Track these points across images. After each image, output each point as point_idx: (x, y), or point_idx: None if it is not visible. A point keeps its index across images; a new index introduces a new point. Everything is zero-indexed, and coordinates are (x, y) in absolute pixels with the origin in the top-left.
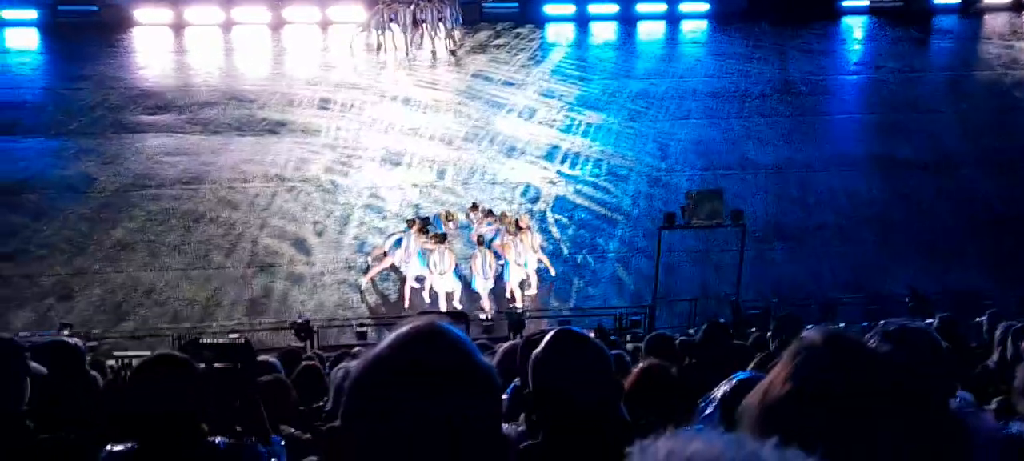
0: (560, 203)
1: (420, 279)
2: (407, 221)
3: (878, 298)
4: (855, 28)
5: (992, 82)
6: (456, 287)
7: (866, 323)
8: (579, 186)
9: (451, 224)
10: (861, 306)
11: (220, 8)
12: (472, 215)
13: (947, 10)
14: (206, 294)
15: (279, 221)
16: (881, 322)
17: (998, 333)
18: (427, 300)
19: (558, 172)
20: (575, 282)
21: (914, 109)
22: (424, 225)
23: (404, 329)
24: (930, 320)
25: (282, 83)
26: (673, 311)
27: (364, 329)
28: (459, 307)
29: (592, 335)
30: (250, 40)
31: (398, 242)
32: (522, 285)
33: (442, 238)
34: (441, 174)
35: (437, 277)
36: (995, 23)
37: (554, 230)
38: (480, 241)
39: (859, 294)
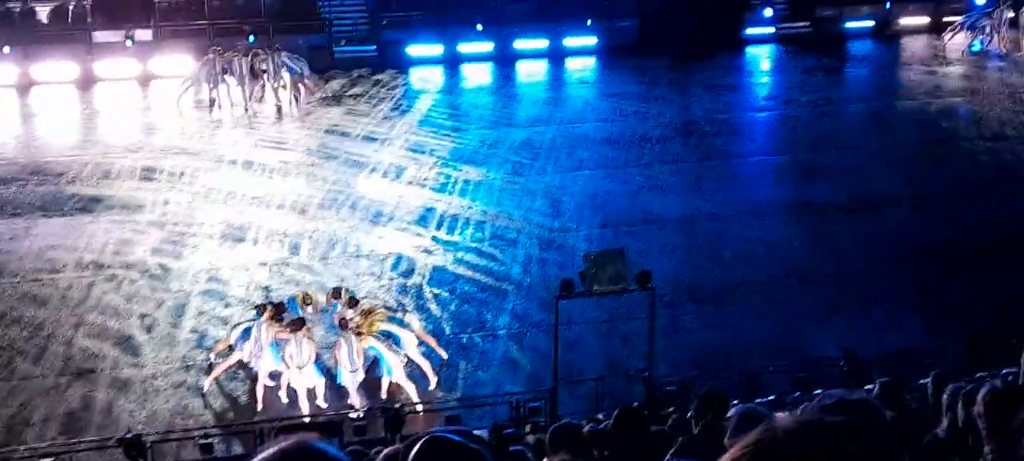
0: (438, 275)
1: (275, 376)
2: (256, 307)
3: (809, 364)
4: (762, 58)
5: (914, 111)
6: (318, 383)
7: (798, 394)
8: (460, 253)
9: (310, 308)
10: (790, 374)
11: (15, 64)
12: (335, 301)
13: (860, 34)
14: (9, 411)
15: (98, 317)
16: (817, 393)
17: (945, 397)
18: (284, 400)
19: (434, 239)
20: (462, 367)
21: (832, 145)
22: (277, 311)
23: (269, 454)
24: (870, 386)
25: (95, 151)
26: (578, 393)
27: (209, 441)
28: (323, 405)
29: (486, 433)
30: (54, 101)
31: (246, 333)
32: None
33: (299, 325)
34: (294, 249)
35: (295, 372)
36: (914, 46)
37: (433, 307)
38: (344, 325)
39: (787, 361)
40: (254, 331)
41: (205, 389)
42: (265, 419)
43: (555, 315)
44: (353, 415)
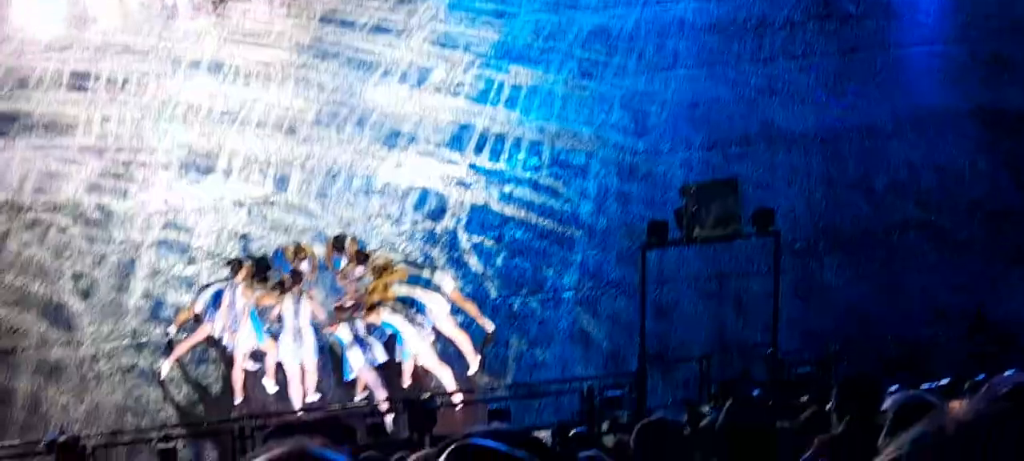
0: (479, 217)
1: (257, 356)
2: (230, 264)
3: (998, 331)
4: None
5: None
6: (315, 364)
7: (981, 375)
8: (508, 187)
9: (304, 264)
10: (971, 347)
11: None
12: (337, 255)
13: None
14: None
15: (16, 278)
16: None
17: None
18: (271, 389)
19: (473, 167)
20: (513, 343)
21: None
22: (258, 269)
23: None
24: None
25: (8, 51)
26: (674, 379)
27: (170, 445)
28: (317, 397)
29: (546, 435)
30: None
31: (217, 299)
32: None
33: (292, 283)
34: (281, 183)
35: (287, 349)
36: None
37: (473, 261)
38: (350, 288)
39: (964, 328)
40: (227, 296)
41: (164, 375)
42: (247, 415)
43: (641, 271)
44: (359, 397)
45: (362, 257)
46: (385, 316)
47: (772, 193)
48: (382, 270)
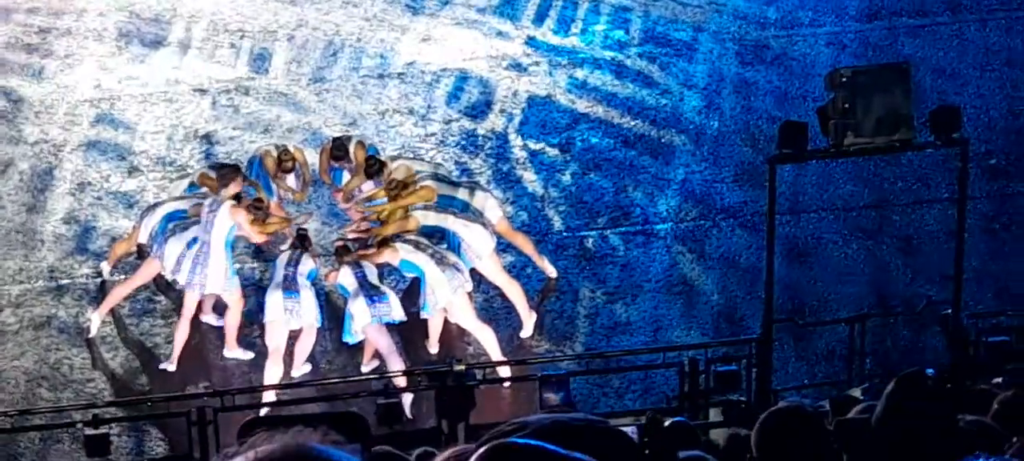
0: (540, 115)
1: (220, 311)
2: (194, 178)
3: None
4: None
5: None
6: (311, 319)
7: None
8: (582, 73)
9: (290, 177)
10: None
11: None
12: (337, 166)
13: None
14: None
15: None
16: None
17: None
18: (241, 356)
19: (532, 43)
20: (585, 295)
21: None
22: (226, 181)
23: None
24: None
25: None
26: (812, 348)
27: (101, 431)
28: (307, 368)
29: (629, 428)
30: None
31: (169, 222)
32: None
33: (280, 214)
34: (259, 62)
35: (273, 300)
36: None
37: (529, 178)
38: (356, 214)
39: None
40: (187, 217)
41: (93, 332)
42: (211, 391)
43: (769, 195)
44: (367, 368)
45: (373, 168)
46: (404, 254)
47: (959, 85)
48: (401, 188)
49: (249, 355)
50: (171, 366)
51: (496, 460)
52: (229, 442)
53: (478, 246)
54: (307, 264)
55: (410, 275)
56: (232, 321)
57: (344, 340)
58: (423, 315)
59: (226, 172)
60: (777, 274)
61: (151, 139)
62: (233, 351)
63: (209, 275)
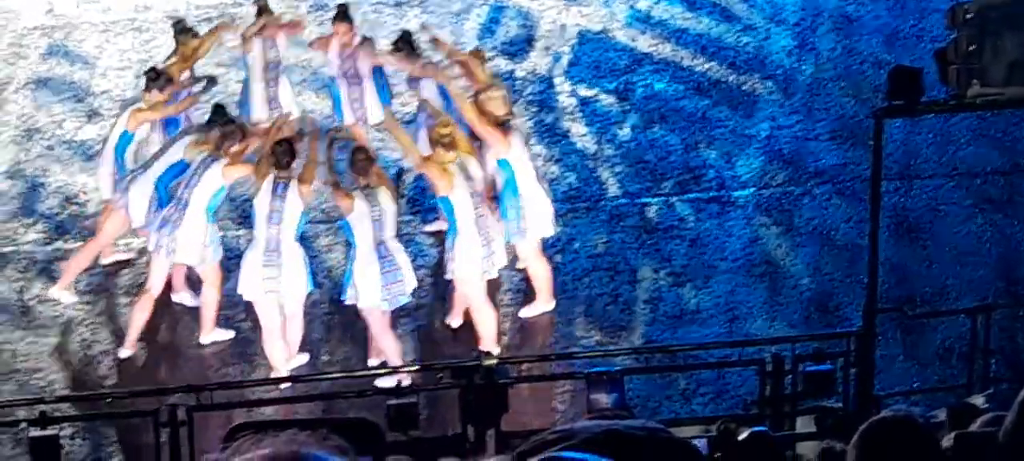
0: (594, 54)
1: (195, 288)
2: (148, 76)
3: None
4: None
5: None
6: (298, 289)
7: None
8: (645, 3)
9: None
10: None
11: None
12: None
13: None
14: None
15: None
16: None
17: None
18: (218, 336)
19: None
20: (645, 274)
21: None
22: (227, 137)
23: None
24: None
25: None
26: (924, 347)
27: (49, 432)
28: (300, 360)
29: (700, 441)
30: None
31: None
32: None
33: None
34: None
35: (250, 274)
36: None
37: (578, 131)
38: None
39: None
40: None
41: (64, 302)
42: (186, 386)
43: (874, 156)
44: (387, 382)
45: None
46: (455, 190)
47: None
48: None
49: (229, 335)
50: (126, 351)
51: None
52: (207, 448)
53: (537, 226)
54: (294, 204)
55: (430, 229)
56: (209, 299)
57: (342, 299)
58: (448, 276)
59: (233, 131)
60: (882, 253)
61: (115, 76)
62: (210, 335)
63: (179, 240)
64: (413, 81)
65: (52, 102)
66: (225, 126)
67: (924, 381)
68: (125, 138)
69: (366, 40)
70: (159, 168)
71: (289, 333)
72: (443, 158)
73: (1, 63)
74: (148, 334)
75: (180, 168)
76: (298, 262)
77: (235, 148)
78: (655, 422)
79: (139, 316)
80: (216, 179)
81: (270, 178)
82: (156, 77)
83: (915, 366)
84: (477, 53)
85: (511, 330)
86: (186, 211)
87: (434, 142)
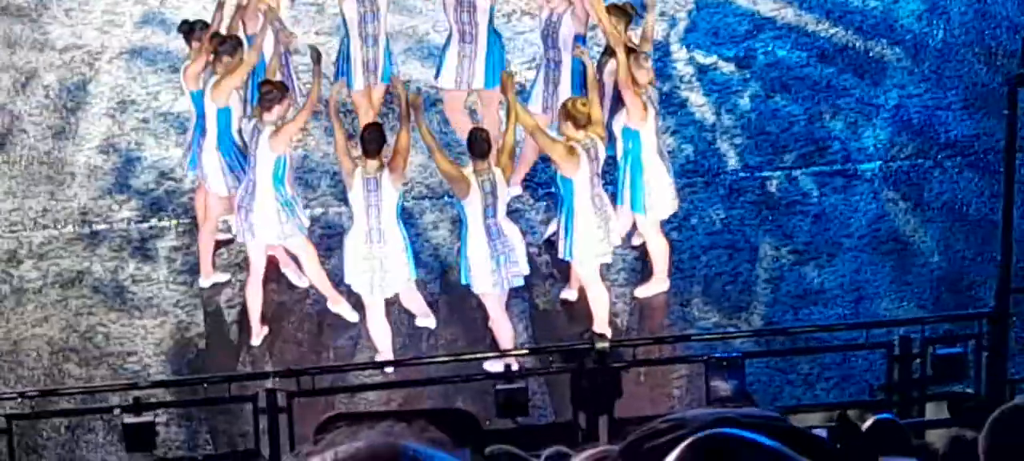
0: (712, 19)
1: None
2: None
3: None
4: None
5: None
6: (401, 279)
7: None
8: None
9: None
10: None
11: None
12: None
13: None
14: None
15: None
16: None
17: None
18: (344, 314)
19: None
20: (766, 251)
21: None
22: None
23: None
24: None
25: None
26: None
27: (144, 419)
28: (388, 351)
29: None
30: None
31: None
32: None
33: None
34: None
35: (354, 252)
36: None
37: (696, 100)
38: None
39: None
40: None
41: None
42: (280, 370)
43: (1009, 127)
44: (495, 366)
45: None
46: (581, 170)
47: None
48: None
49: (354, 317)
50: (256, 339)
51: (710, 457)
52: (306, 435)
53: (660, 202)
54: (389, 192)
55: (550, 232)
56: (313, 273)
57: (465, 283)
58: (564, 256)
59: (270, 92)
60: (1018, 230)
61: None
62: (338, 306)
63: (256, 222)
64: (552, 42)
65: (147, 72)
66: (264, 88)
67: None
68: (224, 115)
69: None
70: (211, 130)
71: (408, 305)
72: (573, 135)
73: (94, 32)
74: (244, 317)
75: (226, 116)
76: (400, 250)
77: (274, 112)
78: (774, 411)
79: (253, 300)
80: (268, 153)
81: (359, 171)
82: (189, 30)
83: None
84: (625, 8)
85: (624, 311)
86: (255, 192)
87: (567, 117)
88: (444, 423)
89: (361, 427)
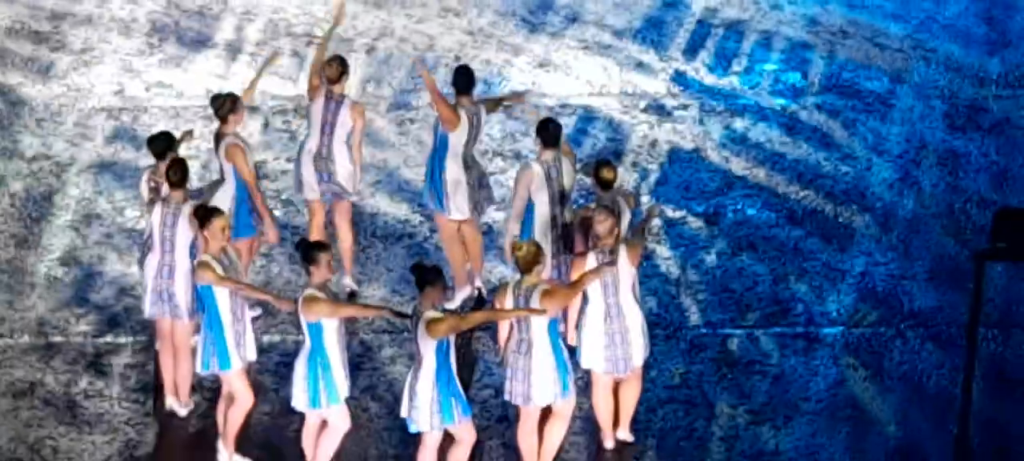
0: (684, 173)
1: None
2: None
3: None
4: None
5: None
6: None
7: None
8: (742, 123)
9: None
10: None
11: None
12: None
13: None
14: None
15: None
16: None
17: None
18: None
19: (680, 79)
20: (723, 409)
21: None
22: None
23: None
24: None
25: None
26: None
27: None
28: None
29: None
30: None
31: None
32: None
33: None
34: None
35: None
36: None
37: (664, 256)
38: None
39: None
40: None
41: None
42: None
43: (973, 298)
44: None
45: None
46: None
47: None
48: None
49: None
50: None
51: None
52: None
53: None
54: (625, 268)
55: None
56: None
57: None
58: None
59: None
60: (976, 405)
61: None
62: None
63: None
64: None
65: (114, 187)
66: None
67: None
68: None
69: None
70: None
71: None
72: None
73: (64, 144)
74: (196, 438)
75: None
76: (637, 325)
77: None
78: None
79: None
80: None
81: (593, 256)
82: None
83: None
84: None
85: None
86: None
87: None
88: None
89: None
